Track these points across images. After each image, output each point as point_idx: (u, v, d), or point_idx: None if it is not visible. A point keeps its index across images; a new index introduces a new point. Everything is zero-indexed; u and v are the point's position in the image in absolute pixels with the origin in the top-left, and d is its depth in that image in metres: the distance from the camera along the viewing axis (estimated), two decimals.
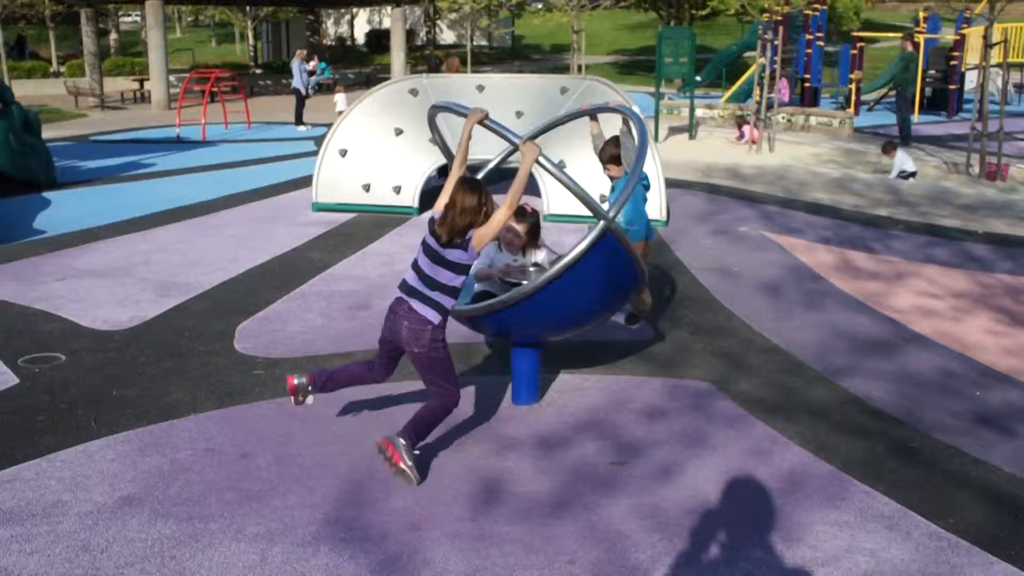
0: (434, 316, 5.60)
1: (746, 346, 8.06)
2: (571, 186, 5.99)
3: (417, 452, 5.66)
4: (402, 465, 5.49)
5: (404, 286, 5.73)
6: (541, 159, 5.76)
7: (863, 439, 6.24)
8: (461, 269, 5.63)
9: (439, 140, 7.58)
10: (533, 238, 6.85)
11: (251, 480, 5.62)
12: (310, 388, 6.12)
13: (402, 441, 5.53)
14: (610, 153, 7.51)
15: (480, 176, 7.43)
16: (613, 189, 7.66)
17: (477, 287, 6.82)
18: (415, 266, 5.71)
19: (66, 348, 7.91)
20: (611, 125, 8.31)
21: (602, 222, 5.97)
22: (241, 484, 5.57)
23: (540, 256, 6.86)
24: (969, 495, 5.50)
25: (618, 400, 6.89)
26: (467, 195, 5.51)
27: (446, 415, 5.84)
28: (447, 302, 5.66)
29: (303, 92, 25.37)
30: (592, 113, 7.76)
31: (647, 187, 7.67)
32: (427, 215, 7.16)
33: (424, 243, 5.71)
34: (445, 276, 5.60)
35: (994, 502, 5.42)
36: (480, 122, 6.01)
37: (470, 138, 6.07)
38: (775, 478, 5.70)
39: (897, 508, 5.34)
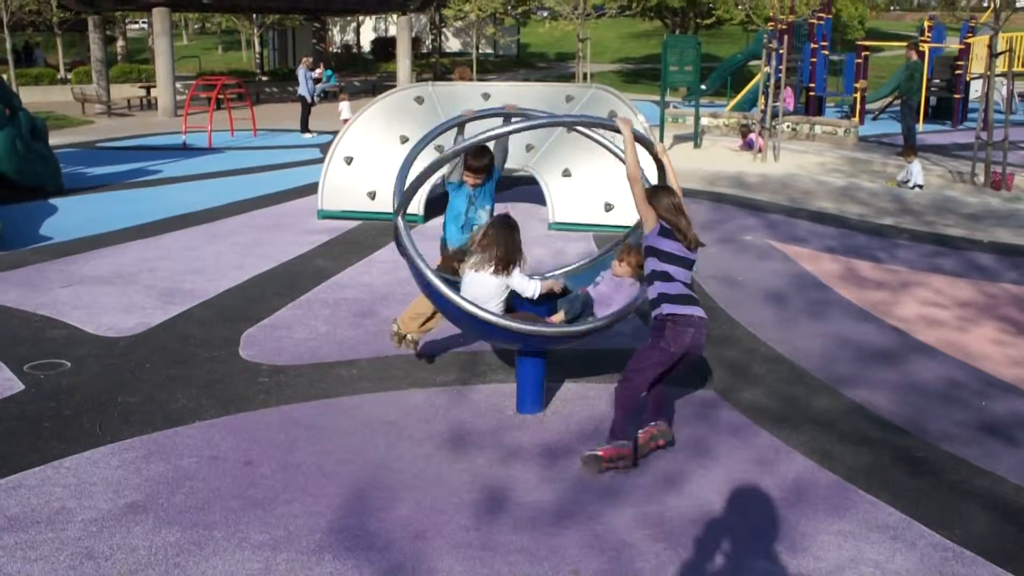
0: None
1: (751, 355, 8.06)
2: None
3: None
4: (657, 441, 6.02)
5: (691, 300, 5.88)
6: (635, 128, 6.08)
7: (868, 449, 6.24)
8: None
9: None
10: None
11: (256, 488, 5.62)
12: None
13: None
14: (488, 160, 7.45)
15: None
16: (474, 198, 7.61)
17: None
18: (679, 281, 5.86)
19: (72, 355, 7.92)
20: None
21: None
22: (246, 492, 5.57)
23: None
24: (974, 505, 5.49)
25: None
26: (675, 197, 5.95)
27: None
28: None
29: (309, 99, 25.40)
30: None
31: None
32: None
33: (675, 257, 5.84)
34: (690, 279, 5.96)
35: (1000, 512, 5.42)
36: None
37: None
38: (779, 488, 5.69)
39: (902, 518, 5.33)
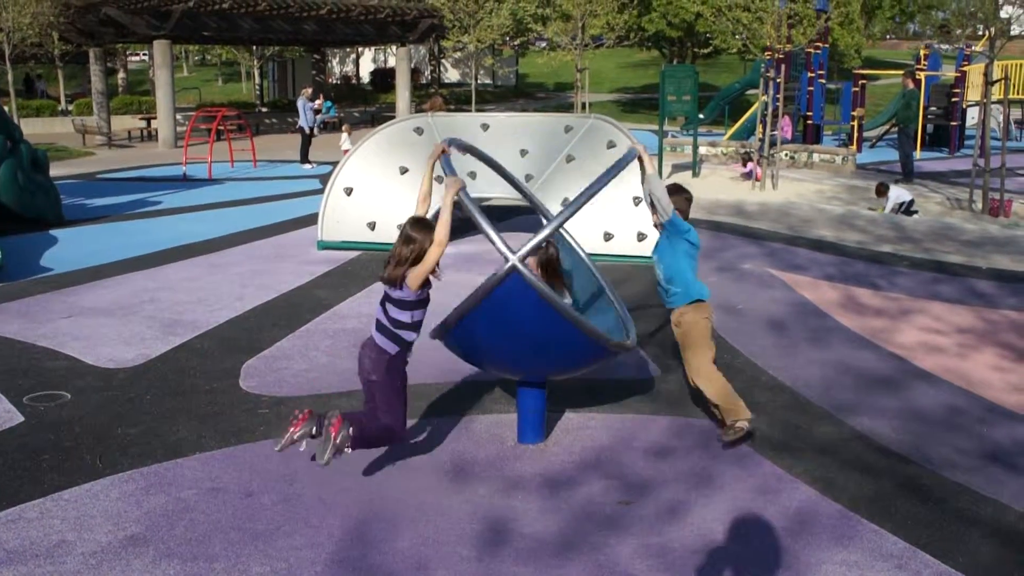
0: (391, 347, 5.88)
1: (752, 384, 8.04)
2: (483, 225, 5.85)
3: (348, 451, 5.69)
4: (335, 440, 5.62)
5: (377, 325, 5.96)
6: (462, 194, 5.88)
7: (871, 477, 6.22)
8: (406, 305, 5.80)
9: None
10: (549, 273, 6.84)
11: (256, 520, 5.60)
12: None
13: (345, 434, 5.65)
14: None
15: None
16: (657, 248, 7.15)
17: None
18: (381, 303, 5.94)
19: (72, 386, 7.91)
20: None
21: (509, 262, 5.79)
22: (246, 524, 5.54)
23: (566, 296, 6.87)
24: (978, 533, 5.47)
25: (624, 439, 6.87)
26: (407, 233, 5.74)
27: (389, 443, 6.15)
28: (406, 335, 5.91)
29: (308, 130, 25.48)
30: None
31: (695, 245, 6.96)
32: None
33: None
34: (394, 312, 5.82)
35: (1004, 540, 5.39)
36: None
37: (432, 173, 6.35)
38: (783, 517, 5.67)
39: (906, 547, 5.31)
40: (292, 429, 5.67)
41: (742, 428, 6.67)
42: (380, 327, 5.89)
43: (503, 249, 5.79)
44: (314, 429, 5.70)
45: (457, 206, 5.82)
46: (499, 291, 5.86)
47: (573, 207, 6.08)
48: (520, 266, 5.76)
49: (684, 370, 7.13)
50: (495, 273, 5.85)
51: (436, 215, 5.81)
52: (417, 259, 5.66)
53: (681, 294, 6.90)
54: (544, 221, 6.38)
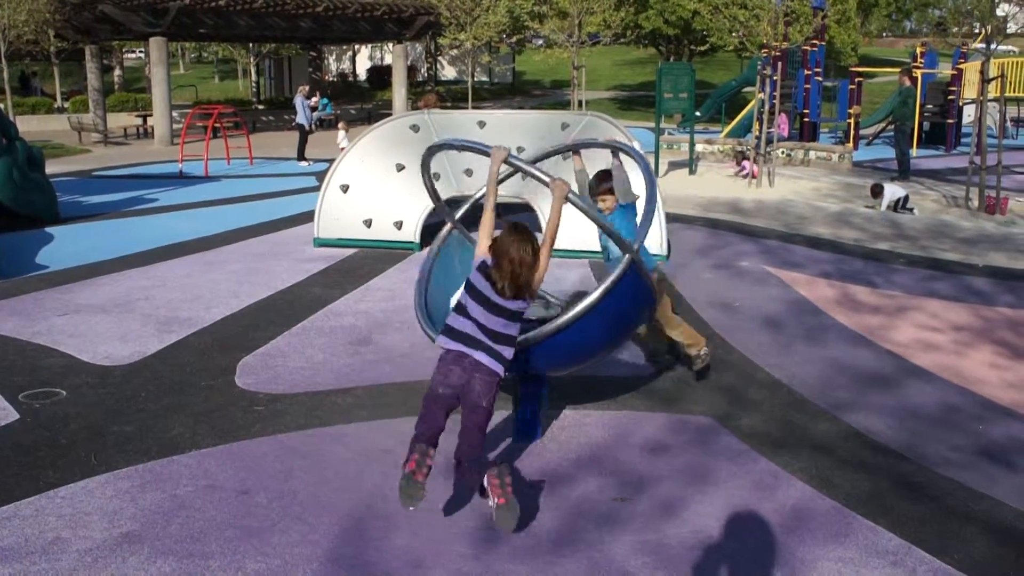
0: (501, 370, 5.49)
1: (748, 381, 8.04)
2: (599, 220, 6.27)
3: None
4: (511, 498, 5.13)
5: (461, 337, 5.51)
6: (571, 195, 5.83)
7: (866, 474, 6.22)
8: (518, 317, 5.57)
9: (428, 184, 7.51)
10: None
11: (252, 517, 5.59)
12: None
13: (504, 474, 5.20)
14: (606, 186, 7.36)
15: (461, 212, 7.76)
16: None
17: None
18: (465, 313, 5.54)
19: (67, 383, 7.90)
20: (597, 162, 8.23)
21: (627, 255, 6.11)
22: (241, 521, 5.54)
23: None
24: (974, 530, 5.47)
25: (620, 436, 6.86)
26: (524, 246, 5.44)
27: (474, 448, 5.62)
28: (508, 353, 5.54)
29: (307, 128, 25.45)
30: (603, 147, 7.64)
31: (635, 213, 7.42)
32: (428, 250, 7.20)
33: (475, 291, 5.54)
34: (501, 325, 5.48)
35: (999, 537, 5.40)
36: (505, 160, 6.02)
37: (498, 177, 6.09)
38: (778, 514, 5.67)
39: (901, 544, 5.31)
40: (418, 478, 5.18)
41: (705, 352, 7.82)
42: (480, 345, 5.46)
43: (624, 242, 6.20)
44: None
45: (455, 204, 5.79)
46: (621, 285, 6.09)
47: (651, 208, 6.55)
48: (638, 258, 6.11)
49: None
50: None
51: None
52: (534, 269, 5.48)
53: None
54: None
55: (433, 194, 7.62)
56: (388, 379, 8.02)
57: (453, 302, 6.79)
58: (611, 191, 7.32)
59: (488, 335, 5.48)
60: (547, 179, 5.90)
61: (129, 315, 10.01)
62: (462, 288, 5.69)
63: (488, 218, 5.83)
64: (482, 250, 5.66)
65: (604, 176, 7.38)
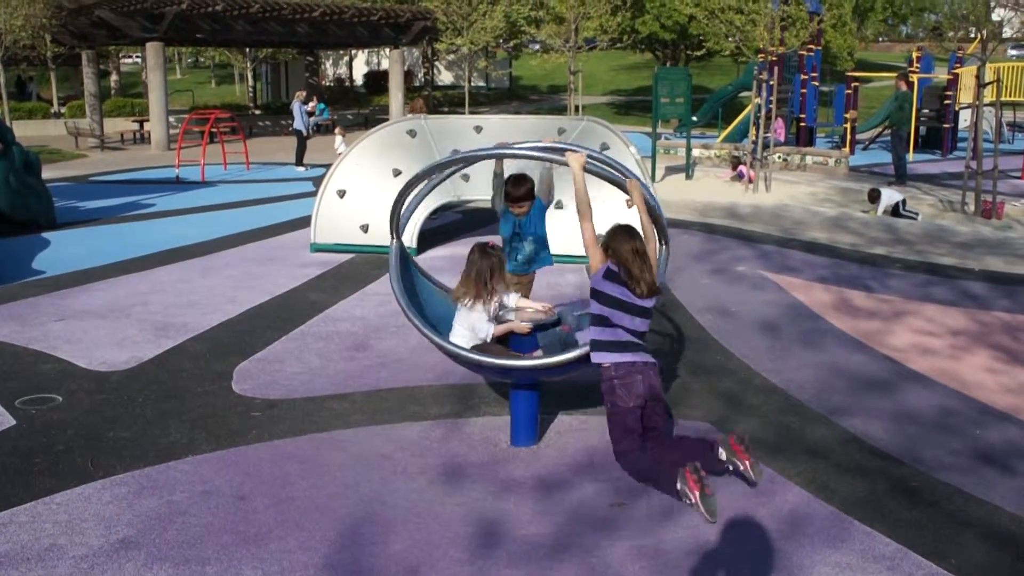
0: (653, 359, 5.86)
1: (745, 386, 8.04)
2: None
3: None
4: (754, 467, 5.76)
5: (634, 347, 5.82)
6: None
7: (863, 479, 6.21)
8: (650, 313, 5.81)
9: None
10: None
11: (249, 523, 5.58)
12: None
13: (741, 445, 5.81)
14: (524, 189, 7.60)
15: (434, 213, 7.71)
16: (519, 226, 7.79)
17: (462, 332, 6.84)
18: (622, 327, 5.78)
19: (63, 389, 7.88)
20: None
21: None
22: (239, 527, 5.53)
23: (510, 298, 6.99)
24: (971, 535, 5.47)
25: None
26: (640, 243, 5.77)
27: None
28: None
29: (304, 133, 25.44)
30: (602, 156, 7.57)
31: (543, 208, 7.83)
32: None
33: (619, 302, 5.78)
34: (644, 325, 5.79)
35: (996, 542, 5.39)
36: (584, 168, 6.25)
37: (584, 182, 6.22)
38: (775, 519, 5.66)
39: (898, 548, 5.30)
40: (694, 495, 5.62)
41: None
42: (640, 347, 5.83)
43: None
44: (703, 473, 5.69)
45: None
46: None
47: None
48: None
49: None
50: None
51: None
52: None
53: (546, 258, 7.86)
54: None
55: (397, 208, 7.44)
56: (386, 384, 8.01)
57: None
58: (528, 197, 7.57)
59: (642, 338, 5.80)
60: (622, 179, 6.25)
61: (126, 320, 10.00)
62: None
63: (589, 227, 6.05)
64: (596, 263, 5.90)
65: (520, 180, 7.55)
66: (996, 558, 5.22)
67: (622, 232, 5.87)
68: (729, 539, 5.43)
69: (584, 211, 5.97)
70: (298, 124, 25.53)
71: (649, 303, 5.75)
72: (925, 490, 6.06)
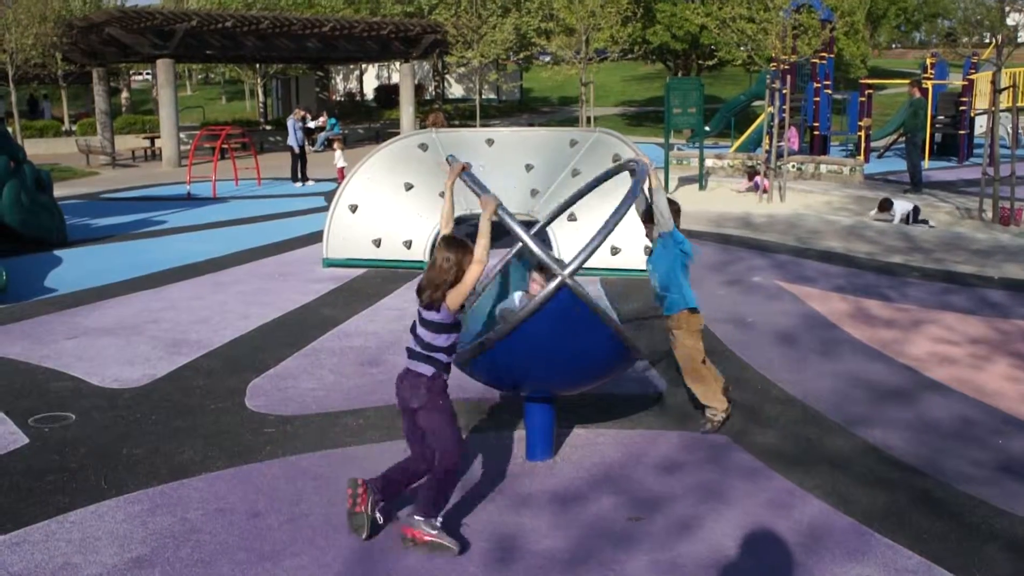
0: (427, 370, 5.53)
1: (762, 397, 7.97)
2: (526, 240, 6.05)
3: (440, 521, 5.48)
4: (430, 539, 5.38)
5: (407, 351, 5.66)
6: (500, 212, 5.78)
7: (884, 490, 6.14)
8: (440, 328, 5.51)
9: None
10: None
11: (263, 540, 5.54)
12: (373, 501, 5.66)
13: (417, 518, 5.43)
14: (645, 211, 7.26)
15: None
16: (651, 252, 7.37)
17: None
18: (412, 330, 5.64)
19: (76, 407, 7.86)
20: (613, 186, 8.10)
21: (558, 277, 5.82)
22: (253, 544, 5.49)
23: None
24: (995, 547, 5.39)
25: (633, 454, 6.80)
26: (442, 254, 5.46)
27: (454, 477, 5.71)
28: (443, 357, 5.56)
29: (297, 149, 25.37)
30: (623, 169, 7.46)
31: (689, 255, 7.18)
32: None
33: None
34: (427, 336, 5.51)
35: (1021, 554, 5.31)
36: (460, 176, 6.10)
37: (453, 193, 6.18)
38: (795, 532, 5.60)
39: (921, 562, 5.23)
40: (360, 508, 5.53)
41: (717, 420, 7.26)
42: (414, 354, 5.59)
43: (550, 264, 5.87)
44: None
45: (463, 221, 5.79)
46: (549, 307, 5.82)
47: (613, 220, 6.22)
48: (569, 281, 5.78)
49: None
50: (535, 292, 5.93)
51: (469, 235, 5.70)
52: (455, 280, 5.42)
53: (677, 300, 7.16)
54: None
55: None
56: None
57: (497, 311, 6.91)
58: (649, 217, 7.19)
59: (420, 345, 5.55)
60: (479, 192, 6.00)
61: (138, 338, 9.98)
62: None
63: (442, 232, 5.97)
64: None
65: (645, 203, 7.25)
66: (1021, 570, 5.15)
67: (441, 242, 5.65)
68: (748, 552, 5.37)
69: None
70: (291, 140, 25.54)
71: (430, 315, 5.48)
72: (947, 502, 5.99)
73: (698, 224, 16.32)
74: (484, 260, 5.47)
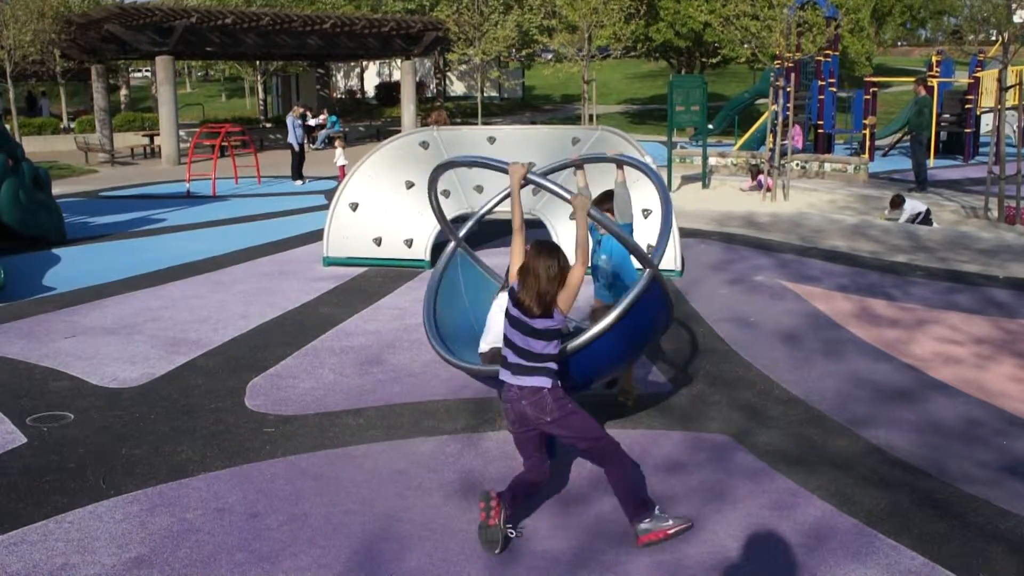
0: (544, 381, 5.46)
1: (765, 397, 7.93)
2: (621, 235, 6.21)
3: (658, 508, 5.58)
4: (673, 531, 5.50)
5: (507, 365, 5.56)
6: (592, 211, 5.75)
7: (887, 491, 6.10)
8: (552, 335, 5.47)
9: (434, 203, 7.52)
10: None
11: (262, 541, 5.51)
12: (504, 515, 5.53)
13: (644, 525, 5.49)
14: (607, 206, 7.29)
15: (467, 226, 7.81)
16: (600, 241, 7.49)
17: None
18: (508, 343, 5.54)
19: (75, 407, 7.83)
20: (608, 175, 8.08)
21: (649, 270, 6.04)
22: (252, 545, 5.45)
23: None
24: (999, 549, 5.35)
25: (636, 454, 6.74)
26: (546, 261, 5.39)
27: (627, 458, 5.75)
28: (552, 365, 5.52)
29: (297, 147, 25.35)
30: (616, 161, 7.52)
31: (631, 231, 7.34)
32: (434, 269, 7.10)
33: (510, 316, 5.53)
34: (539, 346, 5.44)
35: None
36: (524, 178, 5.97)
37: (520, 201, 6.03)
38: (798, 533, 5.56)
39: (925, 563, 5.20)
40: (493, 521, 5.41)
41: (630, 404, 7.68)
42: (523, 369, 5.48)
43: (646, 257, 6.20)
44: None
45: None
46: (645, 297, 6.09)
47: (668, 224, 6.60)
48: (659, 274, 6.12)
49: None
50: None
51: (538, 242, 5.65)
52: (561, 284, 5.40)
53: (619, 290, 7.21)
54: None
55: (438, 213, 7.59)
56: (399, 399, 7.93)
57: (491, 320, 6.90)
58: (611, 211, 7.26)
59: (525, 357, 5.47)
60: (567, 195, 5.88)
61: (137, 337, 9.95)
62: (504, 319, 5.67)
63: (518, 240, 5.84)
64: (513, 276, 5.69)
65: (604, 198, 7.32)
66: None
67: (535, 250, 5.55)
68: (750, 554, 5.34)
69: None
70: (290, 138, 25.51)
71: (539, 323, 5.41)
72: (951, 502, 5.95)
73: (701, 223, 16.27)
74: (588, 261, 5.60)
